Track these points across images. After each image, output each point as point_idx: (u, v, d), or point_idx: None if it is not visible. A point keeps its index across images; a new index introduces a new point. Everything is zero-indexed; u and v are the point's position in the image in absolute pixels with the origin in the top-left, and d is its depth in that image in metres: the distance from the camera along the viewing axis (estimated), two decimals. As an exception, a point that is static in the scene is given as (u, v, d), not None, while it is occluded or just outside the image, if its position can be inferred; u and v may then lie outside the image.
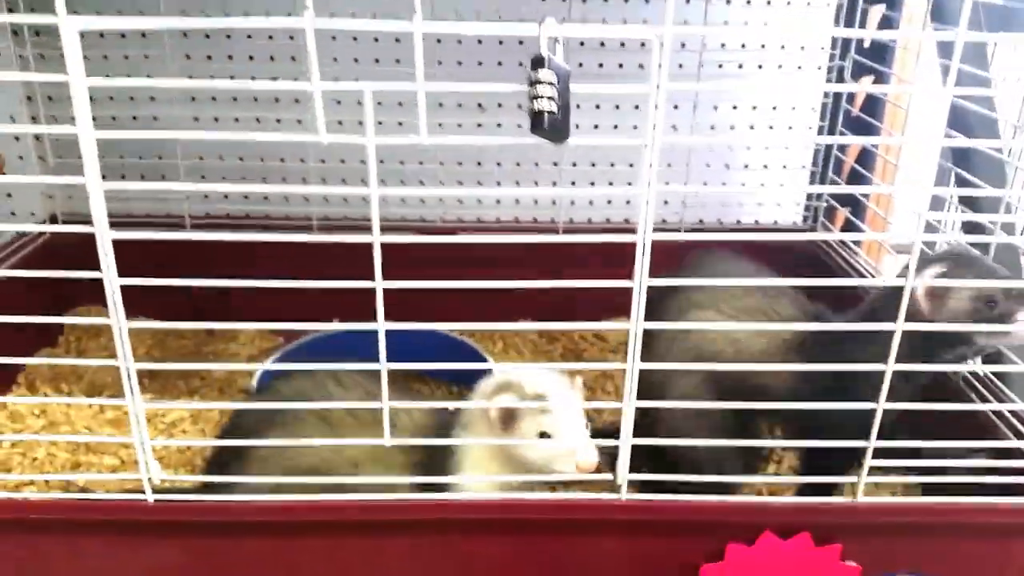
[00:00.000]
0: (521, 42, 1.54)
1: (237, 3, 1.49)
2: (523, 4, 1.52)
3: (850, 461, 0.86)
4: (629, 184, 1.63)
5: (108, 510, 0.83)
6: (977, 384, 1.03)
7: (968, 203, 1.16)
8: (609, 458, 0.84)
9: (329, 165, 1.60)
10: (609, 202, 1.66)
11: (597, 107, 1.58)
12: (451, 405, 0.92)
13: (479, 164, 1.64)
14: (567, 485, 1.05)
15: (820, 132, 1.57)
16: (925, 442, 0.85)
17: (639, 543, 0.85)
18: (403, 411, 0.90)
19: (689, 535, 0.84)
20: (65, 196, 1.58)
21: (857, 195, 1.48)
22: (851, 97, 1.49)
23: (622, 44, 1.55)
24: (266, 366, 1.21)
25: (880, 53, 1.41)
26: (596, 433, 0.87)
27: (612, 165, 1.64)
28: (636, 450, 0.81)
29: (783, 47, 1.56)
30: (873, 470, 0.82)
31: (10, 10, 1.40)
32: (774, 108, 1.61)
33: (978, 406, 0.98)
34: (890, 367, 0.77)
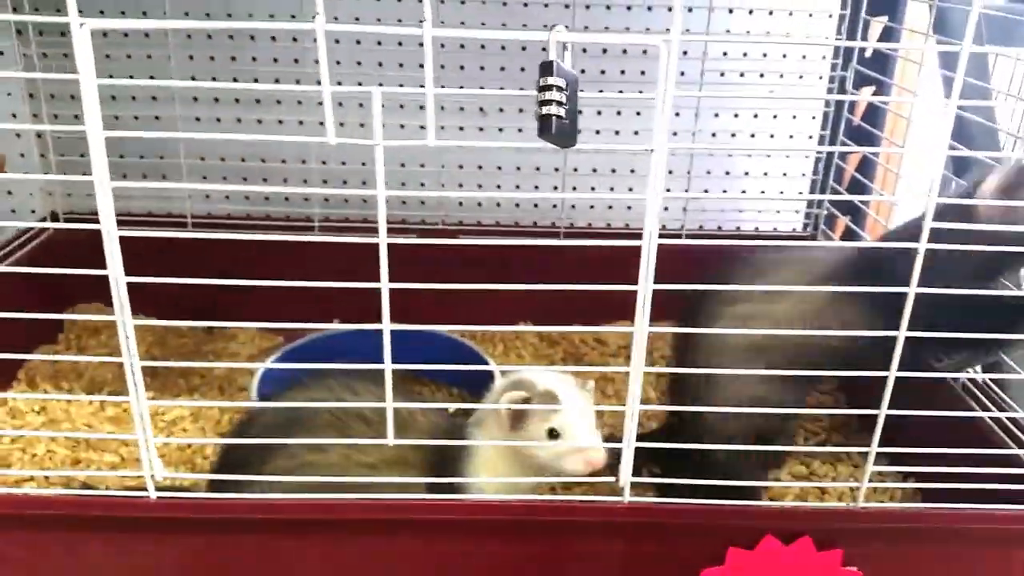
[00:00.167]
0: (524, 48, 1.55)
1: (240, 5, 1.49)
2: (527, 11, 1.53)
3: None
4: (630, 190, 1.64)
5: (110, 507, 0.83)
6: (976, 391, 1.04)
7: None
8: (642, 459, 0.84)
9: (330, 167, 1.60)
10: (610, 207, 1.67)
11: (599, 112, 1.59)
12: (460, 406, 0.93)
13: (480, 167, 1.64)
14: (568, 488, 1.06)
15: (822, 141, 1.58)
16: (925, 449, 0.85)
17: (640, 546, 0.85)
18: (417, 413, 0.90)
19: (690, 538, 0.85)
20: (64, 194, 1.58)
21: (857, 203, 1.49)
22: (852, 106, 1.50)
23: (624, 51, 1.56)
24: (269, 365, 1.22)
25: (882, 63, 1.42)
26: (608, 438, 0.87)
27: (613, 171, 1.65)
28: (661, 453, 0.81)
29: (784, 56, 1.57)
30: (875, 475, 0.83)
31: (14, 9, 1.40)
32: (775, 116, 1.62)
33: (978, 413, 0.99)
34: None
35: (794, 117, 1.62)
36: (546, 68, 0.65)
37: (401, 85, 1.51)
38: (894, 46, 1.43)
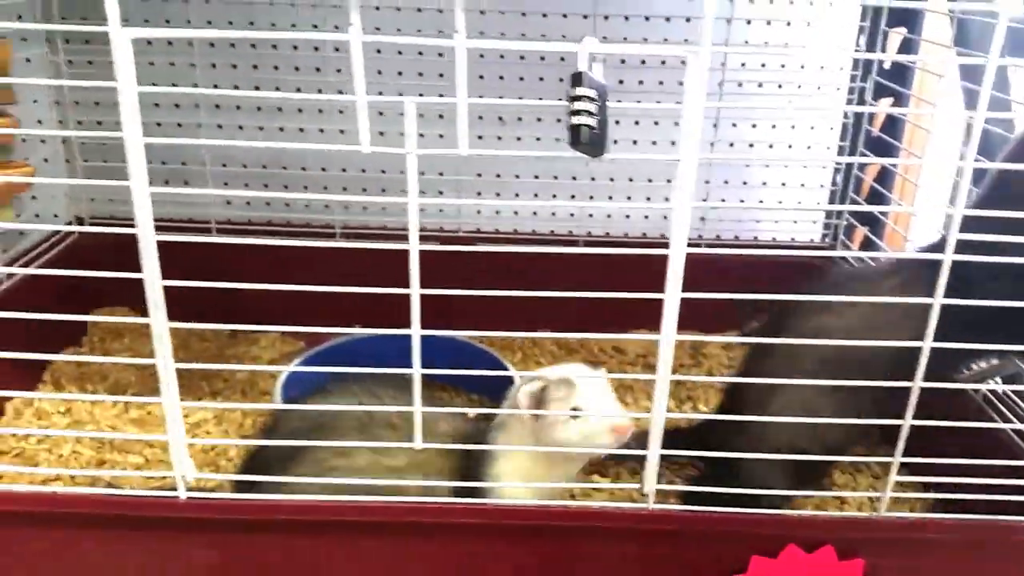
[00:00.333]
0: (543, 58, 1.57)
1: (262, 14, 1.51)
2: (545, 22, 1.54)
3: None
4: (648, 199, 1.65)
5: (141, 506, 0.84)
6: (997, 403, 1.05)
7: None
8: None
9: (350, 174, 1.62)
10: (627, 216, 1.68)
11: (616, 122, 1.60)
12: (484, 411, 0.94)
13: (498, 176, 1.65)
14: (588, 495, 1.06)
15: (841, 152, 1.59)
16: (946, 460, 0.86)
17: (663, 553, 0.86)
18: (442, 418, 0.91)
19: (713, 546, 0.85)
20: (87, 199, 1.60)
21: (876, 213, 1.50)
22: (871, 117, 1.51)
23: (642, 61, 1.57)
24: (297, 368, 1.23)
25: (900, 75, 1.43)
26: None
27: (630, 180, 1.66)
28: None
29: (802, 67, 1.58)
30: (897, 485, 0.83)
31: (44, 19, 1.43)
32: (792, 127, 1.63)
33: (999, 425, 0.99)
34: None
35: (812, 128, 1.63)
36: (577, 79, 0.66)
37: (420, 94, 1.53)
38: (913, 58, 1.44)
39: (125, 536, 0.86)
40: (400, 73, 1.57)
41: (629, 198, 1.66)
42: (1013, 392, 1.04)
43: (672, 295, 0.74)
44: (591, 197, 1.65)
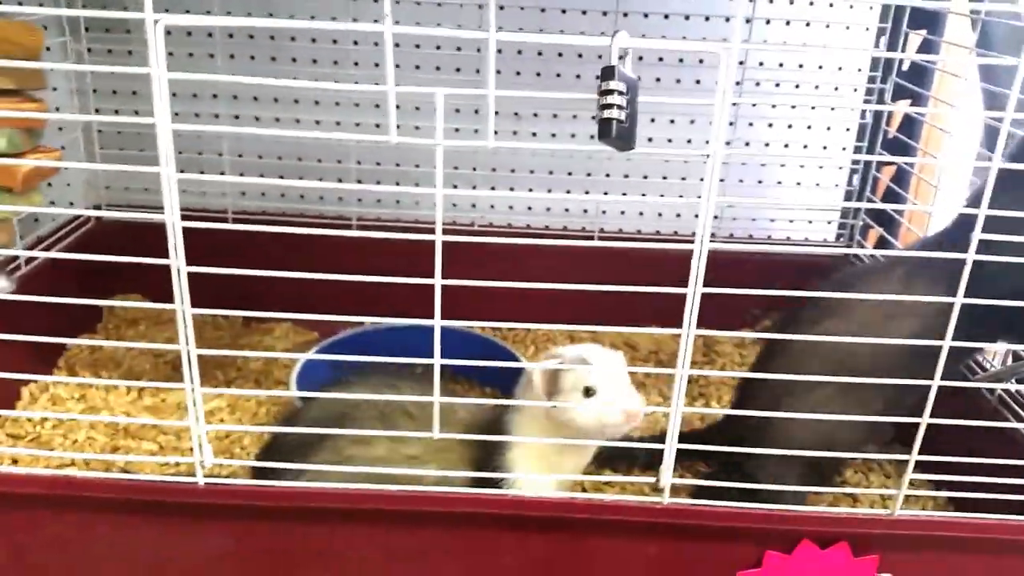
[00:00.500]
0: (560, 54, 1.57)
1: (282, 5, 1.52)
2: (563, 18, 1.54)
3: None
4: (661, 195, 1.66)
5: (160, 491, 0.85)
6: (1011, 402, 1.05)
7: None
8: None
9: (365, 167, 1.63)
10: (640, 213, 1.68)
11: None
12: (500, 402, 0.94)
13: (512, 171, 1.66)
14: (600, 489, 1.07)
15: (858, 152, 1.59)
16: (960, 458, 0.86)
17: (677, 547, 0.86)
18: (459, 407, 0.92)
19: (727, 541, 0.85)
20: (104, 186, 1.61)
21: (891, 212, 1.50)
22: (889, 118, 1.51)
23: (660, 58, 1.57)
24: (315, 356, 1.24)
25: (920, 76, 1.43)
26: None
27: (645, 177, 1.66)
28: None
29: (820, 67, 1.58)
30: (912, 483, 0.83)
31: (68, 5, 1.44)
32: (808, 127, 1.63)
33: (1013, 424, 1.00)
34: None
35: (828, 128, 1.63)
36: (607, 72, 0.67)
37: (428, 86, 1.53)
38: (934, 58, 1.43)
39: (141, 521, 0.86)
40: (417, 67, 1.57)
41: (643, 194, 1.66)
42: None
43: (694, 290, 0.74)
44: (605, 193, 1.65)
